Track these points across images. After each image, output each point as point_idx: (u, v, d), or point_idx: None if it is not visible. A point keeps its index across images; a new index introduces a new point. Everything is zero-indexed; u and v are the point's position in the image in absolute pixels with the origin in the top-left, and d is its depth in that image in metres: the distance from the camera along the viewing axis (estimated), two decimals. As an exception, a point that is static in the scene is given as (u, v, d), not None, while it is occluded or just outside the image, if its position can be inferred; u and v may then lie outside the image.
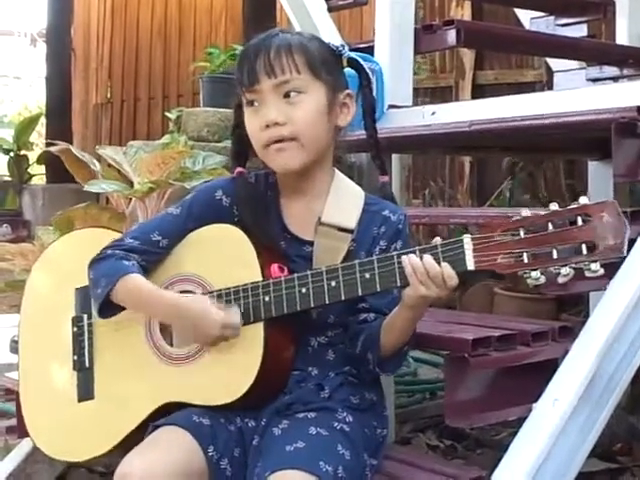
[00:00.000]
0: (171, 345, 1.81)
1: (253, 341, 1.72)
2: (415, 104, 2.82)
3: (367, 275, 1.64)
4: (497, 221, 1.57)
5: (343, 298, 1.67)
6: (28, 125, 9.50)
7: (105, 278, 1.79)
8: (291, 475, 1.57)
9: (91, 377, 1.90)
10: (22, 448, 2.63)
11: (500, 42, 3.12)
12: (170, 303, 1.77)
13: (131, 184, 3.15)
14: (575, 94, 2.33)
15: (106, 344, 1.90)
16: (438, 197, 5.46)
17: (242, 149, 1.86)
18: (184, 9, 8.79)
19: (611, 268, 1.79)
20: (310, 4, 3.05)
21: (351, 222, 1.79)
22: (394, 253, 1.64)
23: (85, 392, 1.90)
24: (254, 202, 1.82)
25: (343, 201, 1.82)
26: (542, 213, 1.52)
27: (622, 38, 3.34)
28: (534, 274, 1.52)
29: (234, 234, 1.79)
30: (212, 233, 1.82)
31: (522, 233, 1.53)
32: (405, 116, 2.64)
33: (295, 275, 1.71)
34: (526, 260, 1.52)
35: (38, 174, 9.58)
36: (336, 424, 1.70)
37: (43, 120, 9.43)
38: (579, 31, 3.47)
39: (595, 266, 1.48)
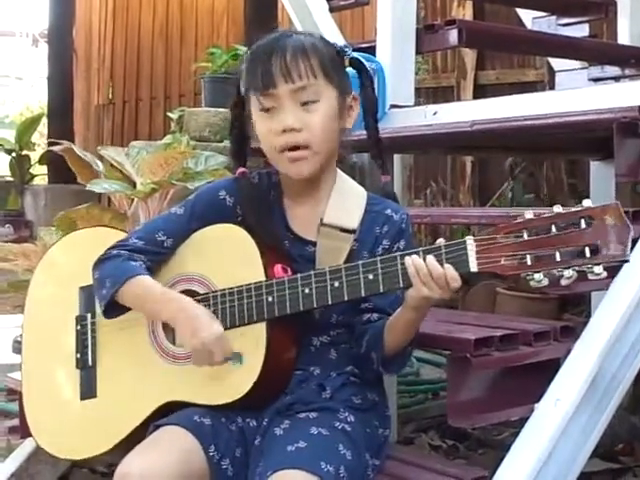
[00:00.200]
0: (174, 344, 1.82)
1: (256, 341, 1.72)
2: (417, 104, 2.82)
3: (370, 276, 1.64)
4: (500, 223, 1.57)
5: (346, 299, 1.67)
6: (30, 125, 9.51)
7: (111, 279, 1.79)
8: (292, 475, 1.57)
9: (94, 375, 1.91)
10: (25, 448, 2.63)
11: (502, 42, 3.12)
12: (174, 309, 1.75)
13: (133, 185, 3.15)
14: (577, 94, 2.33)
15: (109, 343, 1.90)
16: (440, 197, 5.46)
17: (241, 148, 1.86)
18: (186, 9, 8.79)
19: (613, 268, 1.79)
20: (312, 4, 3.05)
21: (353, 222, 1.80)
22: (397, 254, 1.64)
23: (87, 390, 1.90)
24: (257, 202, 1.83)
25: (345, 201, 1.82)
26: (545, 215, 1.52)
27: (624, 38, 3.34)
28: (537, 276, 1.51)
29: (238, 234, 1.79)
30: (216, 233, 1.82)
31: (525, 235, 1.53)
32: (407, 116, 2.64)
33: (298, 275, 1.71)
34: (529, 262, 1.52)
35: (40, 174, 9.59)
36: (337, 424, 1.70)
37: (45, 120, 9.43)
38: (581, 31, 3.47)
39: (598, 269, 1.47)
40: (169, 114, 5.56)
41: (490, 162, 5.35)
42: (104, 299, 1.80)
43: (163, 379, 1.80)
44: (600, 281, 1.71)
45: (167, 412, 1.76)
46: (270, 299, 1.71)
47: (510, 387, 1.94)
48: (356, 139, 1.89)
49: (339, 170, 1.87)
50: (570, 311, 3.96)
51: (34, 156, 9.54)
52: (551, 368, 1.88)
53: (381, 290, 1.64)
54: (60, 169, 7.72)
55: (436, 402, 3.24)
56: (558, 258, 1.50)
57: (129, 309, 1.83)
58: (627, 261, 1.49)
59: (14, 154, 9.12)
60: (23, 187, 8.77)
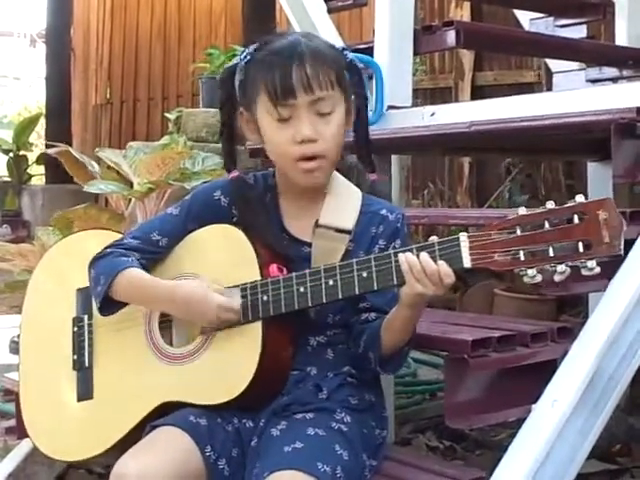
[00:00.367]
0: (170, 344, 1.82)
1: (251, 340, 1.72)
2: (414, 105, 2.82)
3: (364, 274, 1.65)
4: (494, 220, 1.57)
5: (341, 297, 1.67)
6: (27, 126, 9.51)
7: (104, 275, 1.80)
8: (289, 476, 1.57)
9: (90, 377, 1.91)
10: (21, 449, 2.63)
11: (499, 43, 3.12)
12: (168, 290, 1.78)
13: (131, 185, 3.16)
14: (574, 95, 2.33)
15: (106, 344, 1.91)
16: (437, 198, 5.46)
17: (233, 148, 1.86)
18: (183, 10, 8.79)
19: (610, 268, 1.79)
20: (310, 5, 3.05)
21: (348, 223, 1.80)
22: (391, 251, 1.64)
23: (84, 392, 1.90)
24: (253, 203, 1.83)
25: (341, 202, 1.82)
26: (538, 211, 1.53)
27: (621, 39, 3.34)
28: (530, 272, 1.52)
29: (234, 234, 1.79)
30: (212, 233, 1.82)
31: (519, 231, 1.53)
32: (404, 117, 2.64)
33: (293, 274, 1.71)
34: (522, 258, 1.52)
35: (37, 174, 9.59)
36: (334, 424, 1.71)
37: (43, 121, 9.43)
38: (578, 32, 3.47)
39: (591, 264, 1.48)
40: (167, 114, 5.58)
41: (488, 163, 5.35)
42: (99, 296, 1.81)
43: (159, 380, 1.80)
44: (598, 282, 1.71)
45: (164, 413, 1.76)
46: (265, 298, 1.72)
47: (507, 388, 1.94)
48: (352, 140, 1.89)
49: (335, 171, 1.87)
50: (567, 312, 3.96)
51: (32, 156, 9.55)
52: (548, 369, 1.88)
53: (375, 288, 1.65)
54: (57, 169, 7.68)
55: (433, 403, 3.24)
56: (551, 253, 1.50)
57: (125, 305, 1.83)
58: (620, 255, 1.49)
59: (12, 154, 9.12)
60: (20, 187, 8.78)
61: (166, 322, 1.84)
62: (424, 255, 1.59)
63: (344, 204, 1.82)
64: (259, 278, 1.74)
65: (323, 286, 1.68)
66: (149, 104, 8.81)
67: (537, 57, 4.81)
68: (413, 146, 2.88)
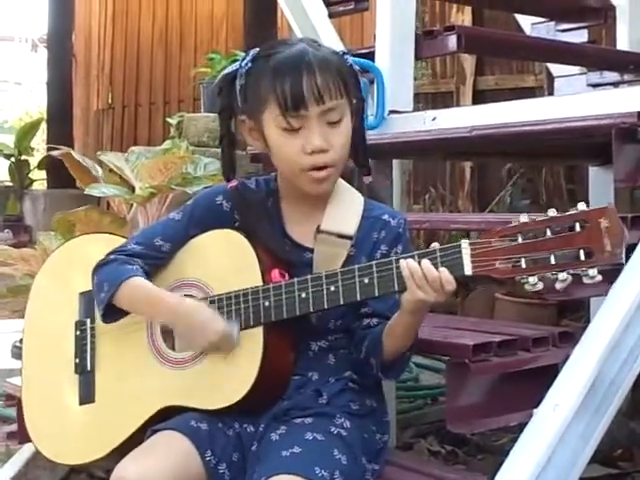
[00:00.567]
0: (172, 349, 1.82)
1: (252, 346, 1.72)
2: (416, 109, 2.83)
3: (366, 280, 1.65)
4: (496, 227, 1.57)
5: (342, 303, 1.67)
6: (29, 130, 9.53)
7: (107, 282, 1.80)
8: (286, 480, 1.57)
9: (92, 380, 1.91)
10: (23, 453, 2.63)
11: (501, 47, 3.12)
12: (172, 307, 1.77)
13: (132, 189, 3.16)
14: (576, 99, 2.33)
15: (108, 348, 1.91)
16: (439, 202, 5.46)
17: (233, 155, 1.86)
18: (185, 15, 8.81)
19: (612, 273, 1.79)
20: (311, 10, 3.05)
21: (350, 229, 1.80)
22: (393, 258, 1.64)
23: (86, 395, 1.91)
24: (255, 208, 1.83)
25: (343, 208, 1.82)
26: (540, 219, 1.52)
27: (622, 44, 3.34)
28: (531, 280, 1.52)
29: (236, 239, 1.79)
30: (214, 238, 1.83)
31: (520, 239, 1.53)
32: (406, 121, 2.64)
33: (295, 280, 1.71)
34: (524, 265, 1.52)
35: (39, 179, 9.61)
36: (333, 429, 1.71)
37: (44, 126, 9.44)
38: (580, 37, 3.47)
39: (593, 272, 1.48)
40: (168, 119, 5.58)
41: (489, 168, 5.35)
42: (102, 303, 1.81)
43: (161, 384, 1.80)
44: (599, 287, 1.71)
45: (165, 417, 1.76)
46: (267, 304, 1.72)
47: (509, 392, 1.94)
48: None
49: (337, 176, 1.87)
50: (569, 317, 3.96)
51: (33, 161, 9.56)
52: (550, 374, 1.88)
53: (376, 294, 1.65)
54: (59, 174, 7.73)
55: (435, 407, 3.23)
56: (553, 261, 1.50)
57: (127, 313, 1.83)
58: (621, 264, 1.49)
59: (13, 159, 9.13)
60: (22, 192, 8.79)
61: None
62: (426, 262, 1.59)
63: (346, 209, 1.82)
64: (261, 283, 1.74)
65: (325, 292, 1.68)
66: (151, 109, 8.82)
67: (538, 62, 4.81)
68: (414, 151, 2.88)
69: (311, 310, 1.70)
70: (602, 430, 1.83)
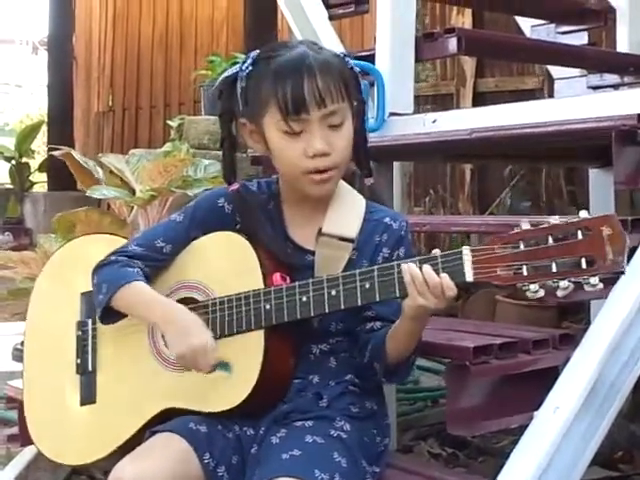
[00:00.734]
0: (173, 352, 1.82)
1: (253, 349, 1.72)
2: (416, 112, 2.83)
3: (367, 285, 1.65)
4: (498, 233, 1.57)
5: (343, 307, 1.67)
6: (30, 133, 9.53)
7: (107, 284, 1.80)
8: (286, 483, 1.57)
9: (93, 381, 1.91)
10: (24, 456, 2.63)
11: (501, 50, 3.12)
12: (169, 312, 1.77)
13: (133, 192, 3.16)
14: (576, 102, 2.33)
15: (109, 348, 1.91)
16: (439, 205, 5.46)
17: (234, 158, 1.86)
18: (185, 18, 8.81)
19: (610, 278, 1.79)
20: (311, 13, 3.05)
21: (352, 232, 1.79)
22: (394, 263, 1.64)
23: (87, 396, 1.91)
24: (256, 211, 1.83)
25: (344, 210, 1.82)
26: (542, 226, 1.52)
27: (623, 46, 3.34)
28: (533, 287, 1.51)
29: (237, 242, 1.79)
30: (216, 240, 1.83)
31: (522, 246, 1.53)
32: (406, 124, 2.64)
33: (296, 283, 1.71)
34: (525, 273, 1.52)
35: (39, 182, 9.60)
36: (333, 432, 1.71)
37: (45, 128, 9.45)
38: (580, 39, 3.47)
39: (594, 280, 1.47)
40: (169, 122, 5.59)
41: (489, 170, 5.35)
42: (100, 305, 1.82)
43: (161, 386, 1.81)
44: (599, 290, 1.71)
45: (166, 419, 1.76)
46: (268, 307, 1.72)
47: (509, 395, 1.94)
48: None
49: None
50: (569, 319, 3.96)
51: (34, 164, 9.56)
52: (550, 376, 1.88)
53: (377, 299, 1.65)
54: (60, 176, 7.74)
55: (435, 410, 3.23)
56: (554, 269, 1.50)
57: (126, 316, 1.83)
58: (623, 273, 1.48)
59: (14, 161, 9.13)
60: (23, 194, 8.79)
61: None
62: (427, 267, 1.59)
63: (348, 212, 1.82)
64: (262, 286, 1.74)
65: (326, 296, 1.68)
66: (151, 111, 8.82)
67: (538, 64, 4.81)
68: (415, 153, 2.88)
69: (312, 314, 1.70)
70: (603, 432, 1.83)
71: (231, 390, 1.72)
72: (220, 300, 1.77)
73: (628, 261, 1.48)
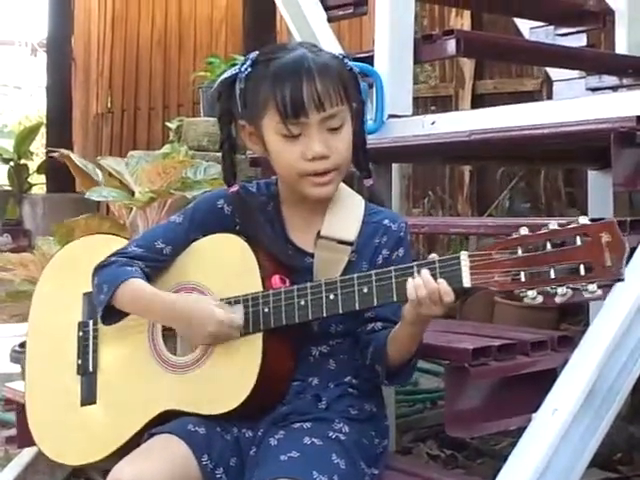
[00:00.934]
0: (174, 352, 1.82)
1: (252, 352, 1.72)
2: (415, 114, 2.83)
3: (365, 289, 1.65)
4: (496, 239, 1.56)
5: (341, 311, 1.67)
6: (28, 135, 9.52)
7: (107, 284, 1.80)
8: (284, 484, 1.57)
9: (94, 382, 1.91)
10: (22, 458, 2.63)
11: (500, 52, 3.12)
12: (169, 305, 1.78)
13: (132, 194, 3.16)
14: (575, 103, 2.33)
15: (110, 349, 1.91)
16: (438, 206, 5.46)
17: (234, 160, 1.85)
18: (184, 19, 8.80)
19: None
20: (310, 14, 3.05)
21: (351, 234, 1.79)
22: (392, 268, 1.64)
23: (88, 396, 1.91)
24: (257, 213, 1.83)
25: (344, 213, 1.82)
26: (541, 232, 1.51)
27: (621, 48, 3.34)
28: (530, 293, 1.51)
29: (237, 244, 1.79)
30: (215, 242, 1.83)
31: (520, 251, 1.52)
32: (405, 126, 2.64)
33: (295, 287, 1.71)
34: (523, 279, 1.51)
35: (38, 183, 9.60)
36: (331, 434, 1.71)
37: (43, 130, 9.44)
38: (578, 41, 3.47)
39: (592, 287, 1.47)
40: (168, 124, 5.59)
41: (488, 171, 5.34)
42: (101, 305, 1.82)
43: (161, 388, 1.81)
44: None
45: (165, 420, 1.76)
46: (266, 310, 1.72)
47: (508, 397, 1.94)
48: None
49: (338, 180, 1.87)
50: (568, 321, 3.96)
51: (32, 165, 9.55)
52: (549, 378, 1.88)
53: (375, 304, 1.65)
54: (58, 178, 7.75)
55: (434, 411, 3.24)
56: (552, 275, 1.49)
57: (127, 315, 1.83)
58: (622, 280, 1.47)
59: (12, 163, 9.12)
60: (21, 196, 8.78)
61: (170, 329, 1.84)
62: (425, 273, 1.59)
63: (347, 215, 1.82)
64: (261, 289, 1.74)
65: (324, 300, 1.68)
66: (150, 113, 8.81)
67: (537, 65, 4.81)
68: (414, 155, 2.88)
69: (310, 318, 1.70)
70: (601, 434, 1.83)
71: (230, 392, 1.72)
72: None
73: (627, 262, 1.48)
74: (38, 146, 10.68)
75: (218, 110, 1.83)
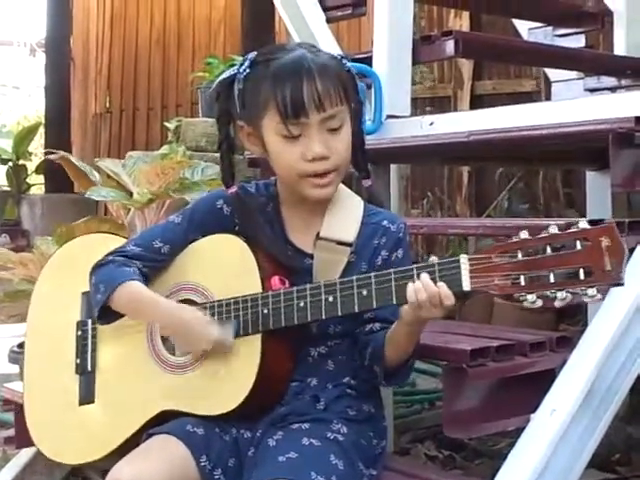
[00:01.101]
0: (172, 352, 1.82)
1: (250, 353, 1.72)
2: (413, 114, 2.83)
3: (364, 292, 1.64)
4: (496, 243, 1.56)
5: (340, 314, 1.67)
6: (27, 135, 9.50)
7: (104, 284, 1.80)
8: (282, 485, 1.57)
9: (92, 381, 1.91)
10: (20, 458, 2.63)
11: (498, 52, 3.13)
12: (165, 313, 1.78)
13: (130, 195, 3.16)
14: (573, 104, 2.34)
15: (108, 349, 1.91)
16: (437, 207, 5.46)
17: (232, 161, 1.85)
18: (183, 19, 8.80)
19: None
20: (309, 15, 3.05)
21: (350, 235, 1.79)
22: (392, 270, 1.64)
23: (86, 396, 1.91)
24: (256, 214, 1.83)
25: (343, 214, 1.82)
26: (541, 236, 1.51)
27: (620, 49, 3.35)
28: (530, 297, 1.51)
29: (236, 244, 1.79)
30: (214, 243, 1.83)
31: (520, 255, 1.52)
32: (403, 126, 2.65)
33: (294, 288, 1.71)
34: (523, 283, 1.51)
35: (37, 184, 9.59)
36: (330, 434, 1.71)
37: (42, 130, 9.44)
38: (577, 42, 3.48)
39: (592, 292, 1.46)
40: (166, 124, 5.58)
41: (487, 172, 5.35)
42: (97, 304, 1.81)
43: (159, 387, 1.81)
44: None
45: (163, 420, 1.76)
46: (265, 311, 1.72)
47: (506, 397, 1.94)
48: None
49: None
50: (567, 321, 3.96)
51: (31, 166, 9.54)
52: (547, 378, 1.88)
53: (374, 306, 1.65)
54: (57, 178, 7.73)
55: (432, 412, 3.23)
56: (552, 279, 1.49)
57: (123, 316, 1.83)
58: (621, 284, 1.47)
59: (11, 163, 9.11)
60: (20, 196, 8.77)
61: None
62: (425, 276, 1.58)
63: (346, 216, 1.82)
64: (260, 290, 1.74)
65: (323, 302, 1.68)
66: (148, 113, 8.81)
67: (536, 66, 4.81)
68: (412, 155, 2.88)
69: (309, 320, 1.70)
70: (599, 435, 1.83)
71: (228, 393, 1.72)
72: (218, 303, 1.77)
73: (628, 261, 1.48)
74: (37, 146, 10.66)
75: (216, 111, 1.83)
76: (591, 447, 1.82)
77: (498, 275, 1.53)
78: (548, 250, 1.50)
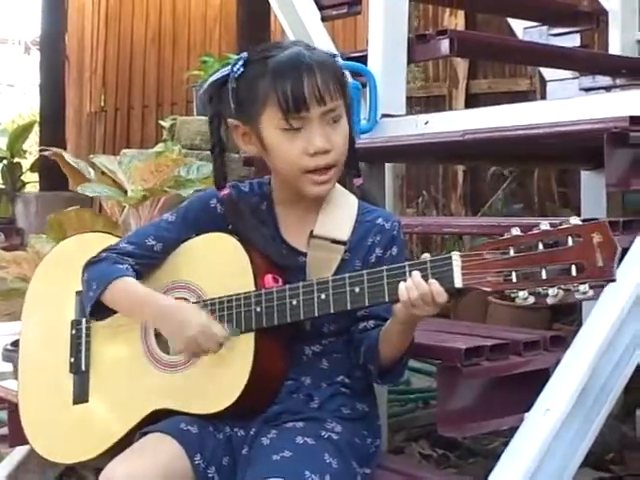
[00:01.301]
0: (167, 352, 1.82)
1: (244, 351, 1.72)
2: (408, 113, 2.83)
3: (356, 289, 1.64)
4: (488, 239, 1.56)
5: (332, 311, 1.67)
6: (21, 133, 9.48)
7: (96, 281, 1.80)
8: (277, 484, 1.57)
9: (86, 380, 1.91)
10: (14, 457, 2.63)
11: (493, 51, 3.13)
12: (157, 308, 1.77)
13: (125, 192, 3.16)
14: (568, 104, 2.34)
15: (103, 348, 1.91)
16: (432, 206, 5.46)
17: (224, 162, 1.84)
18: (178, 17, 8.78)
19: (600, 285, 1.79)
20: (304, 14, 3.05)
21: (344, 234, 1.79)
22: (384, 268, 1.63)
23: (80, 395, 1.90)
24: (249, 214, 1.82)
25: (337, 212, 1.82)
26: (532, 233, 1.51)
27: (615, 48, 3.36)
28: (521, 294, 1.51)
29: (229, 243, 1.79)
30: (208, 241, 1.82)
31: (512, 252, 1.52)
32: (398, 125, 2.65)
33: (287, 286, 1.71)
34: (515, 279, 1.51)
35: (31, 182, 9.57)
36: (324, 433, 1.71)
37: (37, 128, 9.42)
38: (572, 41, 3.48)
39: (584, 288, 1.46)
40: (161, 122, 5.57)
41: (482, 171, 5.35)
42: (89, 301, 1.81)
43: (153, 386, 1.80)
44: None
45: (157, 419, 1.76)
46: (258, 309, 1.72)
47: (500, 397, 1.94)
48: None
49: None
50: (561, 320, 3.97)
51: (25, 164, 9.53)
52: (541, 378, 1.88)
53: (366, 304, 1.65)
54: (51, 176, 7.72)
55: (426, 411, 3.24)
56: (544, 276, 1.49)
57: (115, 312, 1.83)
58: (613, 280, 1.47)
59: (5, 161, 9.09)
60: (14, 194, 8.75)
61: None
62: (416, 274, 1.58)
63: (340, 214, 1.82)
64: (253, 288, 1.74)
65: (315, 300, 1.68)
66: (143, 111, 8.79)
67: (531, 65, 4.82)
68: (407, 154, 2.88)
69: (302, 318, 1.70)
70: (593, 434, 1.83)
71: (221, 392, 1.72)
72: (211, 302, 1.77)
73: (619, 262, 1.48)
74: (31, 144, 10.65)
75: (209, 113, 1.83)
76: (585, 446, 1.82)
77: (490, 272, 1.53)
78: (540, 247, 1.50)
